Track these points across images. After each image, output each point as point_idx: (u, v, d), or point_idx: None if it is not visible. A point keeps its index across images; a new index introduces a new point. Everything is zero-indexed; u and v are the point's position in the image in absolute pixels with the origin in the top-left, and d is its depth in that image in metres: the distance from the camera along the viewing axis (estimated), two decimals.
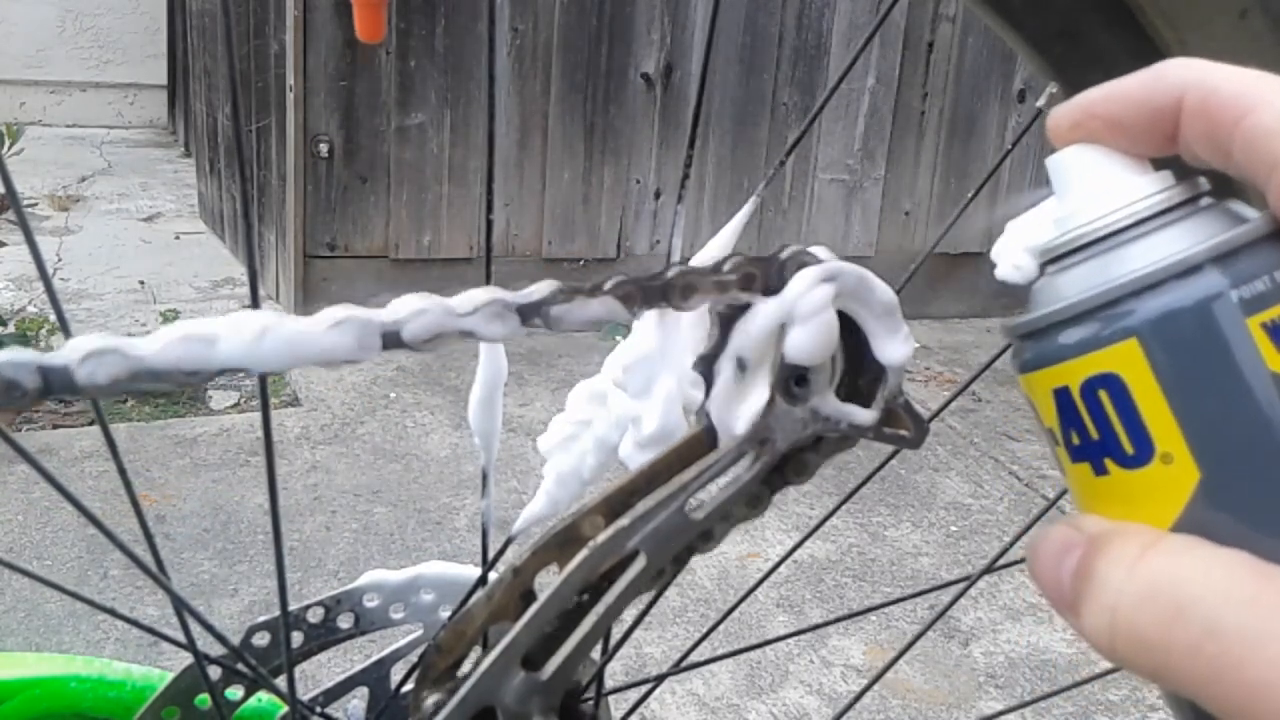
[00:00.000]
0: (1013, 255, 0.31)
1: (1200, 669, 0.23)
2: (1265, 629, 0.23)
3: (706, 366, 0.33)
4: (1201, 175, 0.28)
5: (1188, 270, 0.26)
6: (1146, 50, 0.48)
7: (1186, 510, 0.26)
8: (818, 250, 0.32)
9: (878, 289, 0.32)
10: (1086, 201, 0.28)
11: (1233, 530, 0.25)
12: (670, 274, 0.31)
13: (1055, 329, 0.28)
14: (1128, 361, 0.26)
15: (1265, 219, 0.26)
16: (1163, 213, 0.27)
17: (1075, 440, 0.28)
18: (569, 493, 0.39)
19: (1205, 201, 0.27)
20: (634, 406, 0.36)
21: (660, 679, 0.62)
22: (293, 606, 0.52)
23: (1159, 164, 0.29)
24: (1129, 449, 0.27)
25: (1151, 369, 0.26)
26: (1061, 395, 0.28)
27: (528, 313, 0.30)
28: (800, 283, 0.31)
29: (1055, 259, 0.29)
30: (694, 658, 0.61)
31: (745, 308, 0.32)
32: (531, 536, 0.35)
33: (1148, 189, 0.28)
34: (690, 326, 0.36)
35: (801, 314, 0.31)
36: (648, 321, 0.37)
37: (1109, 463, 0.27)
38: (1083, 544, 0.27)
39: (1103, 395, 0.27)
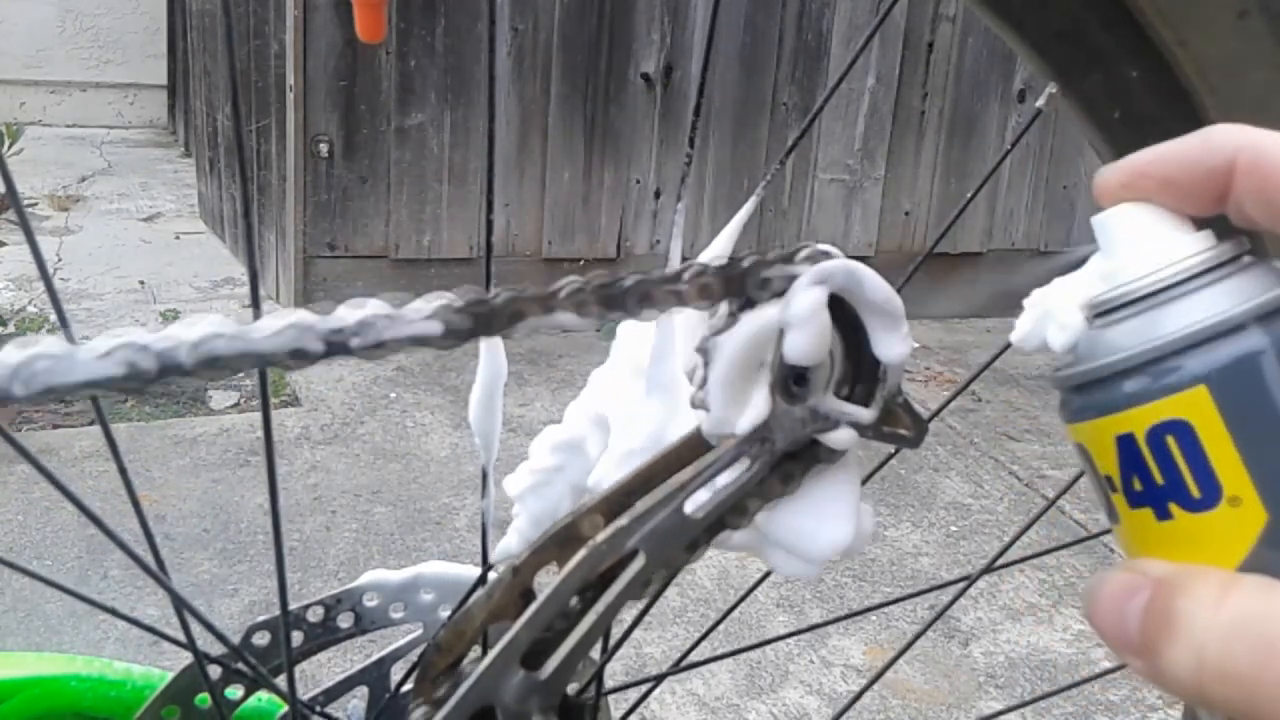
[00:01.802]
0: (1057, 315, 0.31)
1: None
2: None
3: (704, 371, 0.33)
4: (1243, 234, 0.29)
5: (1260, 317, 0.27)
6: (1146, 51, 0.48)
7: (1253, 552, 0.27)
8: (826, 249, 0.32)
9: (868, 285, 0.32)
10: (1141, 257, 0.29)
11: None
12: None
13: (1118, 378, 0.29)
14: (1196, 408, 0.27)
15: None
16: (1217, 267, 0.29)
17: (1137, 486, 0.29)
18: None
19: (1248, 259, 0.29)
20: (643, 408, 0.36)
21: (660, 679, 0.62)
22: (293, 606, 0.52)
23: (1200, 224, 0.30)
24: (1195, 493, 0.27)
25: (1220, 414, 0.27)
26: (1125, 442, 0.29)
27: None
28: (795, 285, 0.31)
29: (1105, 312, 0.30)
30: (694, 658, 0.61)
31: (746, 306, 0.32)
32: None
33: (1201, 245, 0.29)
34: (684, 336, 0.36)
35: (796, 317, 0.31)
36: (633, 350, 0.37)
37: (1173, 507, 0.28)
38: (1149, 586, 0.27)
39: (1170, 441, 0.28)
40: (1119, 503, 0.29)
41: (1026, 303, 0.33)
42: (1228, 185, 0.29)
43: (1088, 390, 0.30)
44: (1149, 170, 0.30)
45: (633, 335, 0.39)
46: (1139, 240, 0.30)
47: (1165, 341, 0.28)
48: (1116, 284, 0.30)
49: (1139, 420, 0.28)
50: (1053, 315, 0.32)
